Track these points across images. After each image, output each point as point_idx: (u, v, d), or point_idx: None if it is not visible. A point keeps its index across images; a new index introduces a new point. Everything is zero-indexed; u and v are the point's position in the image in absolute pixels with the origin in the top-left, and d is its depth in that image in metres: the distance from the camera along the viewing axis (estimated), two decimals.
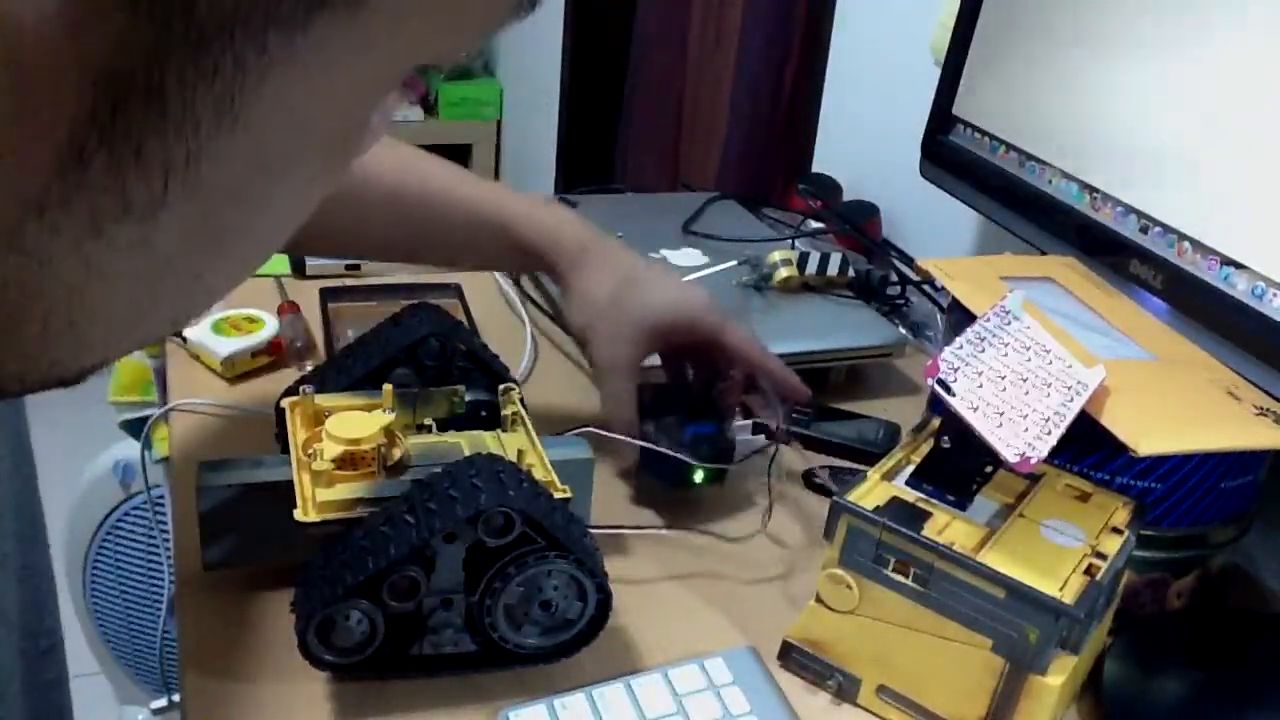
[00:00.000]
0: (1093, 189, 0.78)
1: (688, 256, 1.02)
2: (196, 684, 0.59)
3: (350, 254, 0.94)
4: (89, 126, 0.21)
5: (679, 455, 0.72)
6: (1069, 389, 0.57)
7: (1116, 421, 0.57)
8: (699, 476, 0.74)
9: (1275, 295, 0.64)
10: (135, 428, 1.36)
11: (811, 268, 0.97)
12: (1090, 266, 0.76)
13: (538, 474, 0.59)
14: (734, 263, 0.97)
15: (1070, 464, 0.66)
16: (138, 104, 0.21)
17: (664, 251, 1.02)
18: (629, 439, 0.73)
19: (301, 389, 0.65)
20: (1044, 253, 0.81)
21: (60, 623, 0.75)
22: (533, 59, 2.43)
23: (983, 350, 0.59)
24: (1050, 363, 0.59)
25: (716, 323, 0.75)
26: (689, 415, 0.75)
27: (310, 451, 0.61)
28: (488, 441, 0.64)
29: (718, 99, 1.52)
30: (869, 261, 1.07)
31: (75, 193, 0.21)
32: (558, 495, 0.59)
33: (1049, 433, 0.54)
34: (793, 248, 1.02)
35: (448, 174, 0.76)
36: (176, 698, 0.73)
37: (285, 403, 0.66)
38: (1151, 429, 0.56)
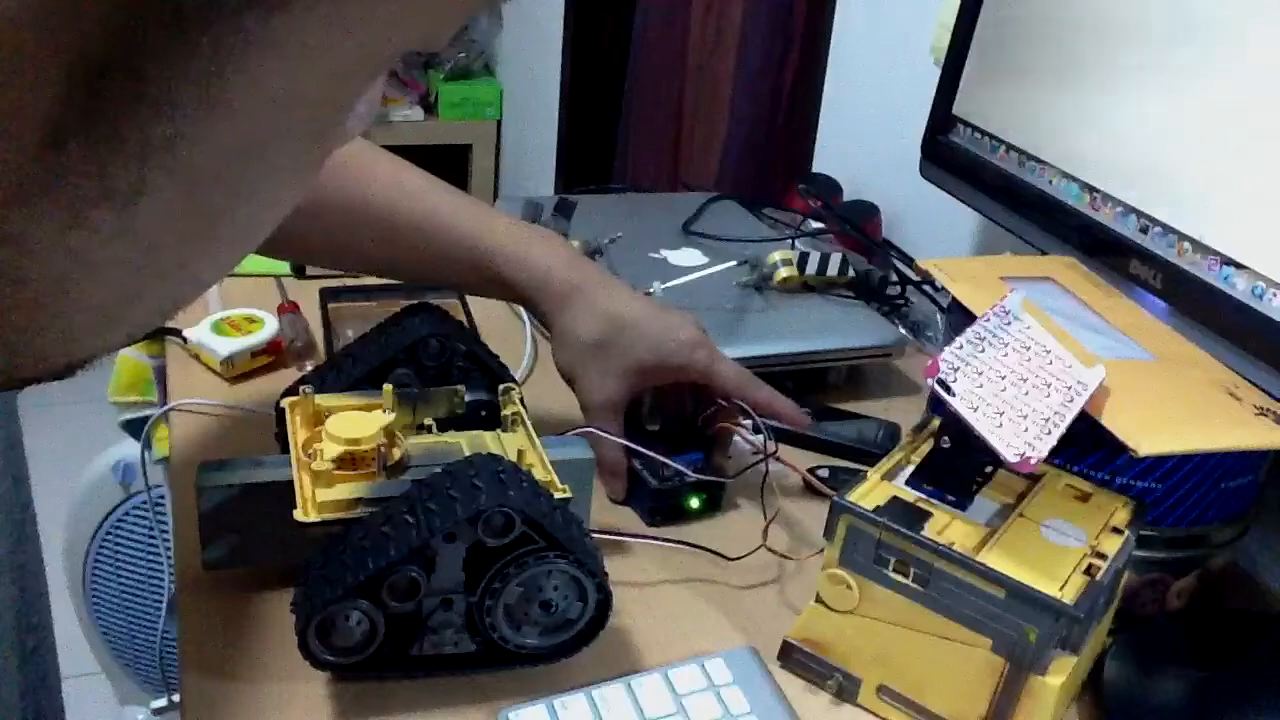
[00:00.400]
0: (1093, 189, 0.78)
1: (688, 256, 1.02)
2: (196, 684, 0.59)
3: (333, 265, 0.94)
4: (68, 112, 0.21)
5: (677, 464, 0.73)
6: (1069, 389, 0.57)
7: (1116, 421, 0.57)
8: (694, 504, 0.74)
9: (1275, 295, 0.64)
10: (135, 428, 1.36)
11: (811, 268, 0.97)
12: (1090, 266, 0.76)
13: (538, 474, 0.59)
14: (734, 263, 0.97)
15: (1070, 464, 0.66)
16: (117, 89, 0.21)
17: (664, 251, 1.02)
18: (629, 443, 0.73)
19: (301, 389, 0.65)
20: (1044, 253, 0.81)
21: (51, 621, 0.75)
22: (533, 59, 2.43)
23: (983, 350, 0.59)
24: (1050, 363, 0.59)
25: (705, 362, 0.75)
26: (675, 447, 0.76)
27: (310, 451, 0.61)
28: (488, 441, 0.64)
29: (718, 99, 1.52)
30: (869, 261, 1.07)
31: (56, 179, 0.21)
32: (558, 495, 0.59)
33: (1049, 433, 0.54)
34: (793, 248, 1.02)
35: (441, 197, 0.75)
36: (176, 698, 0.73)
37: (285, 403, 0.66)
38: (1151, 429, 0.56)
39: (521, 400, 0.67)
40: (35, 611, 0.72)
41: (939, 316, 1.02)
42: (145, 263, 0.24)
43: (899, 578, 0.57)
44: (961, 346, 0.59)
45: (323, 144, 0.27)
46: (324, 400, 0.65)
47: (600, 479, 0.71)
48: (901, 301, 1.04)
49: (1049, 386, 0.57)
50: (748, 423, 0.80)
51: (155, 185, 0.22)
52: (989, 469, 0.61)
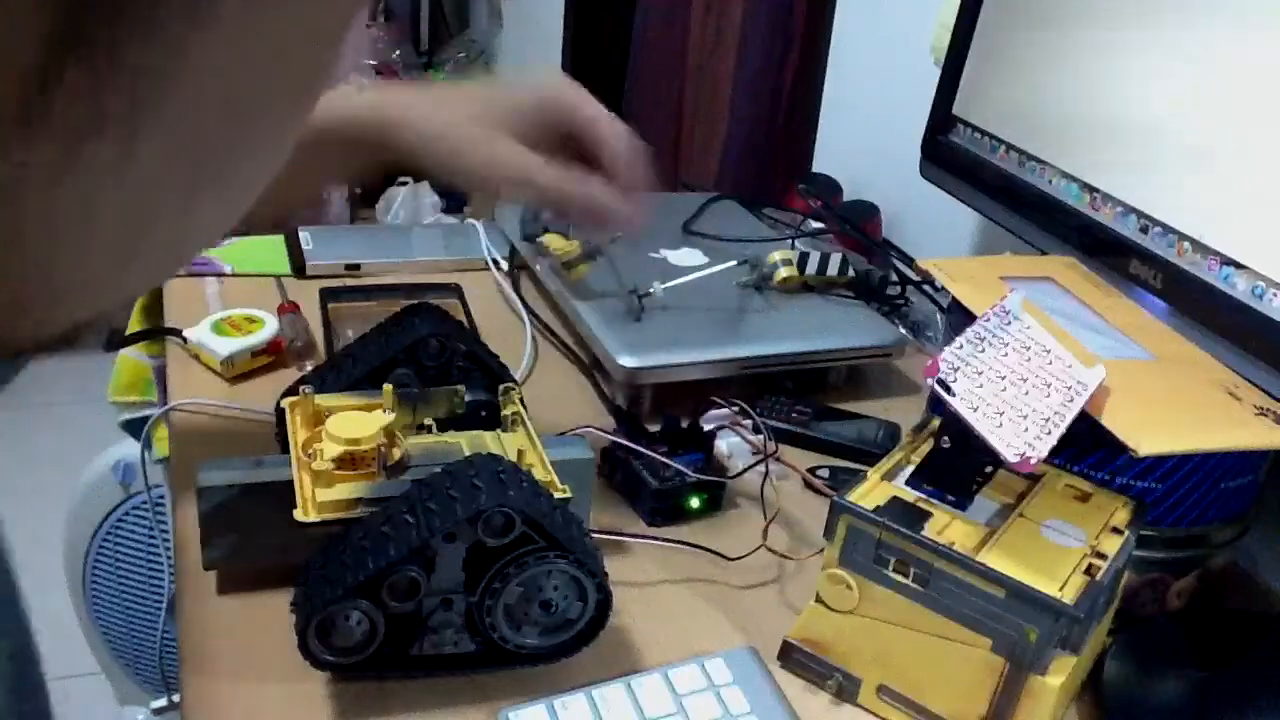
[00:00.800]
0: (1093, 189, 0.78)
1: (688, 256, 1.02)
2: (196, 684, 0.59)
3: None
4: (59, 39, 0.20)
5: (677, 464, 0.72)
6: (1069, 389, 0.57)
7: (1116, 421, 0.57)
8: (694, 504, 0.75)
9: (1275, 295, 0.64)
10: (135, 428, 1.36)
11: (811, 268, 0.97)
12: (1090, 266, 0.76)
13: (538, 474, 0.59)
14: (734, 263, 0.97)
15: (1070, 464, 0.66)
16: (104, 9, 0.20)
17: (664, 251, 1.02)
18: (629, 443, 0.73)
19: (301, 389, 0.65)
20: (1044, 253, 0.81)
21: (28, 624, 0.73)
22: (533, 59, 2.43)
23: (983, 350, 0.59)
24: (1050, 363, 0.59)
25: (575, 92, 0.68)
26: (675, 446, 0.76)
27: (310, 451, 0.61)
28: (488, 441, 0.64)
29: (718, 99, 1.52)
30: (869, 261, 1.07)
31: (53, 107, 0.21)
32: (558, 495, 0.59)
33: (1049, 433, 0.54)
34: (793, 248, 1.02)
35: None
36: (176, 698, 0.73)
37: (285, 403, 0.66)
38: (1151, 429, 0.56)
39: (521, 400, 0.67)
40: (8, 617, 0.71)
41: (939, 316, 1.02)
42: (145, 201, 0.24)
43: (899, 578, 0.57)
44: (961, 346, 0.59)
45: (313, 82, 0.26)
46: (324, 400, 0.65)
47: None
48: (901, 301, 1.04)
49: (1049, 386, 0.57)
50: (748, 423, 0.80)
51: (151, 112, 0.22)
52: (989, 469, 0.61)
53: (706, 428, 0.78)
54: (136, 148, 0.22)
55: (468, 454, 0.60)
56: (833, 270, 0.98)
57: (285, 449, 0.63)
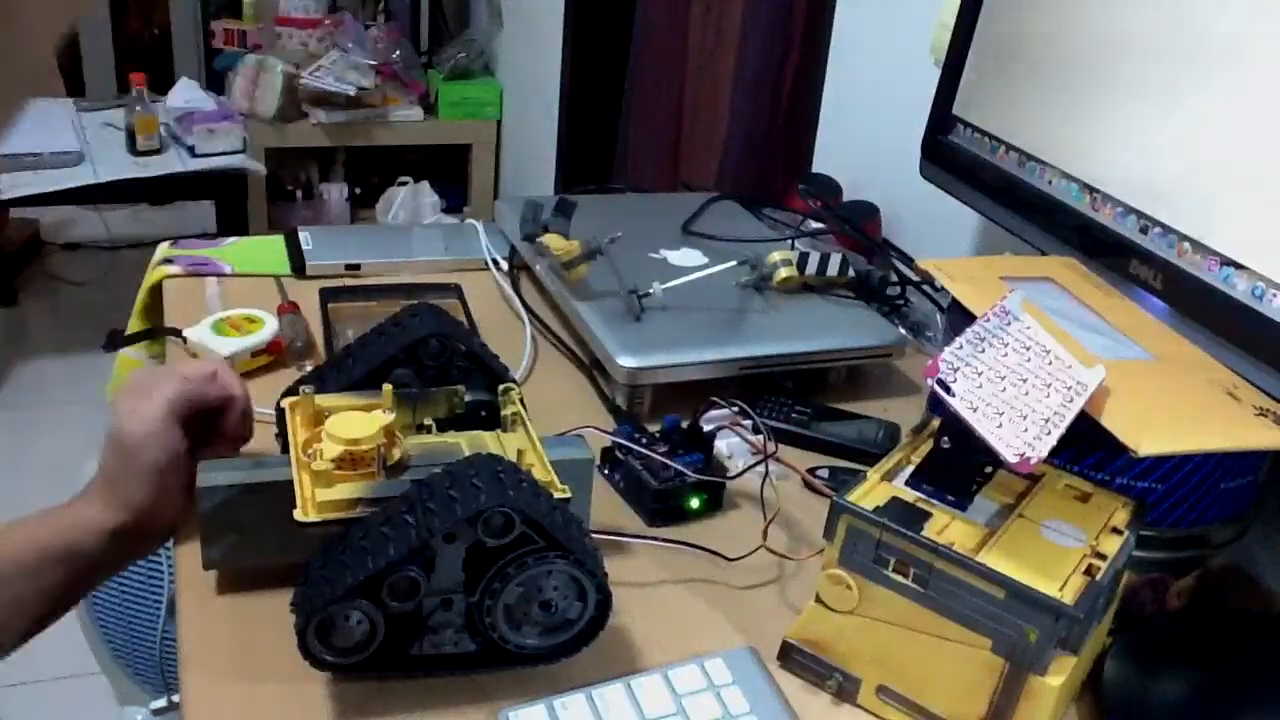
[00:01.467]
0: (1093, 189, 0.78)
1: (688, 256, 1.02)
2: (196, 684, 0.59)
3: None
4: None
5: (676, 464, 0.72)
6: (1069, 389, 0.57)
7: (1116, 421, 0.57)
8: (694, 504, 0.75)
9: (1275, 295, 0.64)
10: None
11: (811, 268, 0.97)
12: (1090, 266, 0.76)
13: (538, 474, 0.59)
14: (734, 263, 0.97)
15: (1070, 464, 0.66)
16: None
17: (664, 251, 1.02)
18: (629, 443, 0.73)
19: (301, 389, 0.65)
20: (1044, 253, 0.81)
21: None
22: (533, 59, 2.44)
23: (983, 350, 0.59)
24: (1050, 363, 0.59)
25: (219, 371, 0.70)
26: (675, 447, 0.76)
27: (310, 451, 0.61)
28: (488, 441, 0.64)
29: (718, 99, 1.53)
30: (869, 261, 1.07)
31: None
32: (558, 495, 0.59)
33: (1049, 433, 0.54)
34: (793, 248, 1.02)
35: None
36: (176, 698, 0.73)
37: (285, 403, 0.66)
38: (1151, 429, 0.56)
39: (521, 400, 0.67)
40: None
41: (939, 316, 1.02)
42: None
43: (899, 578, 0.57)
44: (961, 346, 0.59)
45: None
46: (324, 400, 0.65)
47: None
48: (901, 301, 1.04)
49: (1049, 386, 0.57)
50: (748, 423, 0.80)
51: None
52: (989, 469, 0.61)
53: (706, 428, 0.78)
54: None
55: (468, 454, 0.60)
56: (833, 270, 0.98)
57: (285, 449, 0.63)
